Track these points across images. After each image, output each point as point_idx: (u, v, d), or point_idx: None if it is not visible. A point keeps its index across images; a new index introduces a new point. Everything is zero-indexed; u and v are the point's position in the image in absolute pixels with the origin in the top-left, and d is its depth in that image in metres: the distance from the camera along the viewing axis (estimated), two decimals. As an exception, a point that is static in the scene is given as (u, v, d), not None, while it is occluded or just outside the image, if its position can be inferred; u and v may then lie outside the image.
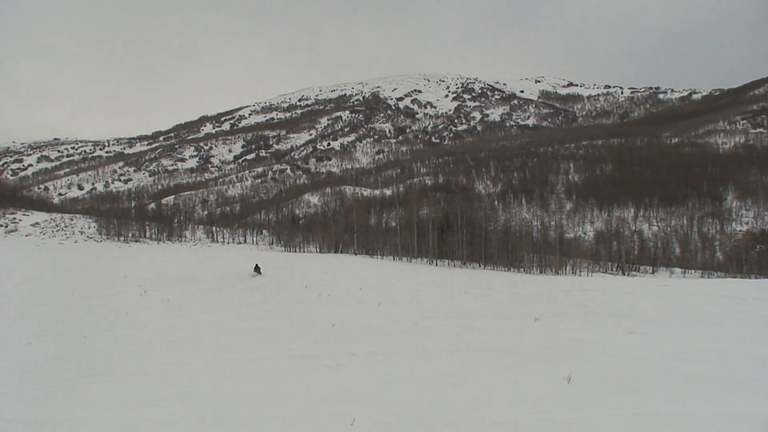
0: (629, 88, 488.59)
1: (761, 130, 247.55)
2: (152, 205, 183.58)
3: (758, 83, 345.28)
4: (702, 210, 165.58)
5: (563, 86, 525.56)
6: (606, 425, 9.36)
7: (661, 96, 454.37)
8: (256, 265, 49.92)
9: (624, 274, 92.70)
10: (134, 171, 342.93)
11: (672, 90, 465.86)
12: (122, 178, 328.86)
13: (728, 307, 28.29)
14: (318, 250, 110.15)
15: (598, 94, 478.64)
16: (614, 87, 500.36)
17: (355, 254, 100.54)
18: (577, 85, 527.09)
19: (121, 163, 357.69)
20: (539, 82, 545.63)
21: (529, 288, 42.64)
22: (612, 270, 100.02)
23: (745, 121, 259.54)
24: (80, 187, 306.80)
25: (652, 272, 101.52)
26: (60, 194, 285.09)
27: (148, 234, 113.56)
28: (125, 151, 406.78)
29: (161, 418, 9.58)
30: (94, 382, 12.01)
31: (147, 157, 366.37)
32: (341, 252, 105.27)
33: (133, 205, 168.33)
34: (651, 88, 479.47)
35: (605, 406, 10.42)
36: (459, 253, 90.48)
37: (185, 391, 11.25)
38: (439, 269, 72.89)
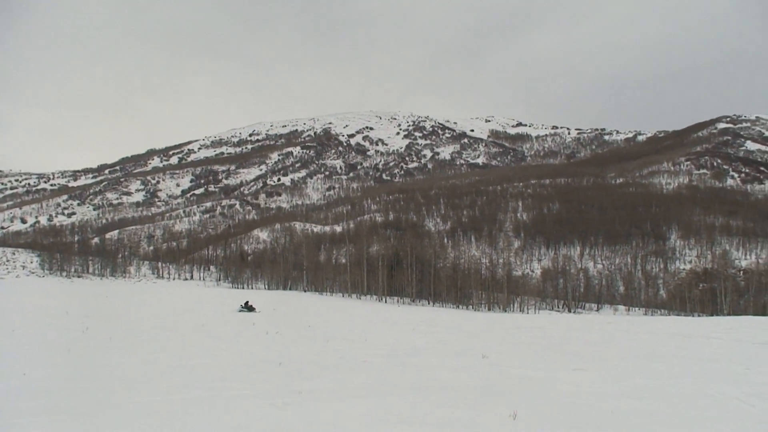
0: (576, 129, 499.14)
1: (704, 171, 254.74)
2: (96, 239, 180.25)
3: (701, 125, 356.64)
4: (646, 249, 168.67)
5: (512, 126, 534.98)
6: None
7: (606, 137, 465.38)
8: (247, 302, 48.73)
9: (570, 312, 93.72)
10: (78, 204, 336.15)
11: (617, 131, 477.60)
12: (66, 211, 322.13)
13: (672, 344, 28.78)
14: (267, 286, 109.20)
15: (546, 135, 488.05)
16: (561, 128, 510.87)
17: (305, 291, 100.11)
18: (525, 125, 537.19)
19: (65, 197, 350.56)
20: (489, 121, 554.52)
21: (477, 325, 42.82)
22: (558, 307, 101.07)
23: (688, 163, 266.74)
24: (23, 221, 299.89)
25: (597, 310, 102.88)
26: (2, 227, 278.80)
27: (91, 269, 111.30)
28: (70, 184, 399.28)
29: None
30: (30, 421, 11.64)
31: (91, 191, 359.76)
32: (290, 289, 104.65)
33: (76, 239, 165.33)
34: (597, 129, 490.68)
35: (551, 443, 10.46)
36: (408, 290, 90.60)
37: None
38: (388, 306, 72.85)
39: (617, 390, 15.54)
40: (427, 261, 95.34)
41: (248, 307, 46.76)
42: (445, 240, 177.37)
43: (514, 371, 18.91)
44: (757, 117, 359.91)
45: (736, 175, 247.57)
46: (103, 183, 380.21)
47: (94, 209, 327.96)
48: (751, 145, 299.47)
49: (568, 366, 20.23)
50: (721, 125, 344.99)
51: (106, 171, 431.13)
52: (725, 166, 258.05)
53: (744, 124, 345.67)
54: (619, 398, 14.39)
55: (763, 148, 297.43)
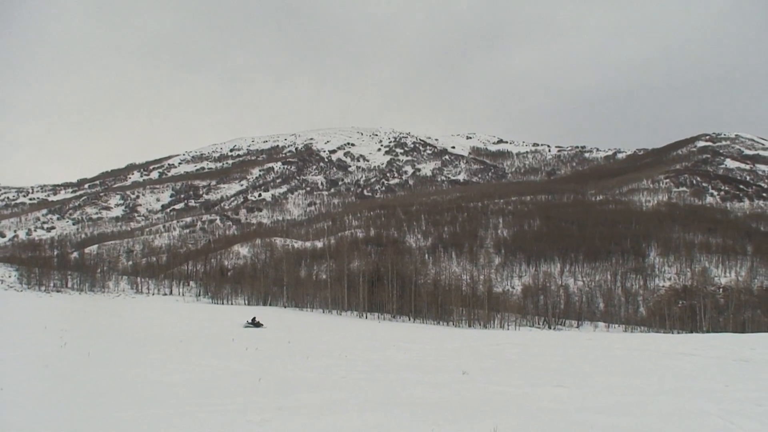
0: (556, 147, 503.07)
1: (684, 189, 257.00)
2: (75, 254, 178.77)
3: (681, 144, 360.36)
4: (625, 266, 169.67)
5: (493, 143, 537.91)
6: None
7: (587, 154, 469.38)
8: (254, 318, 48.07)
9: (550, 328, 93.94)
10: (58, 219, 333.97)
11: (597, 149, 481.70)
12: (45, 225, 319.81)
13: (651, 361, 28.87)
14: (246, 302, 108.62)
15: (527, 152, 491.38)
16: (542, 145, 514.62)
17: (285, 306, 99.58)
18: (506, 142, 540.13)
19: (44, 211, 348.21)
20: (470, 138, 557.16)
21: (457, 342, 42.79)
22: (539, 324, 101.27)
23: (668, 180, 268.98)
24: (2, 235, 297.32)
25: (577, 326, 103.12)
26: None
27: (70, 284, 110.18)
28: (49, 199, 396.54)
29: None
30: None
31: (71, 205, 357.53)
32: (270, 304, 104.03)
33: (55, 254, 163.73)
34: (577, 146, 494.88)
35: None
36: (389, 307, 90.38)
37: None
38: (368, 322, 72.71)
39: (597, 406, 15.56)
40: (408, 277, 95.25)
41: (255, 323, 46.20)
42: (426, 256, 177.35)
43: (494, 387, 18.90)
44: (736, 135, 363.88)
45: (715, 193, 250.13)
46: (83, 197, 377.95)
47: (73, 224, 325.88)
48: (730, 163, 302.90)
49: (548, 382, 20.25)
50: (701, 143, 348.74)
51: (86, 185, 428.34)
52: (704, 184, 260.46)
53: (723, 142, 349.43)
54: (599, 414, 14.42)
55: (743, 166, 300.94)
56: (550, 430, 12.77)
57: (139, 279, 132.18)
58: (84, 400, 15.33)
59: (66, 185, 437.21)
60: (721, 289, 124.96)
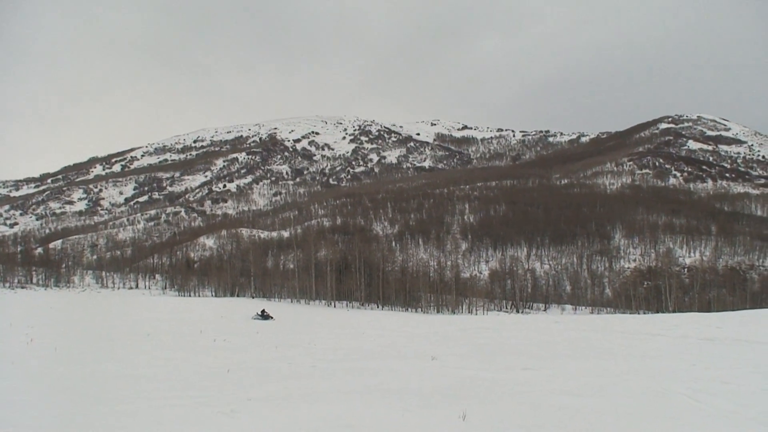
0: (521, 132, 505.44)
1: (647, 170, 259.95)
2: (39, 249, 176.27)
3: (644, 126, 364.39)
4: (591, 248, 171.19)
5: (458, 129, 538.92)
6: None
7: (551, 139, 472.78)
8: (263, 310, 48.31)
9: (518, 312, 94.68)
10: (20, 214, 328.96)
11: (561, 133, 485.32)
12: (8, 222, 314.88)
13: (619, 342, 29.20)
14: (214, 294, 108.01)
15: (492, 137, 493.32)
16: (506, 130, 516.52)
17: (252, 297, 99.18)
18: (471, 128, 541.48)
19: (6, 207, 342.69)
20: (435, 125, 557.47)
21: (426, 327, 42.91)
22: (506, 308, 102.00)
23: (631, 163, 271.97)
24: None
25: (545, 309, 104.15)
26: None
27: (35, 280, 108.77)
28: (11, 194, 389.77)
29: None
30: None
31: (34, 200, 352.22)
32: (238, 295, 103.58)
33: (19, 249, 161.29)
34: (541, 131, 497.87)
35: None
36: (357, 294, 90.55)
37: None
38: (337, 311, 72.72)
39: (565, 388, 15.66)
40: (375, 265, 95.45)
41: (264, 316, 46.53)
42: (393, 243, 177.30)
43: (463, 372, 18.94)
44: (698, 116, 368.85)
45: (678, 174, 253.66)
46: (46, 192, 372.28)
47: (36, 219, 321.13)
48: (692, 145, 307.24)
49: (516, 366, 20.36)
50: (663, 125, 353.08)
51: (49, 180, 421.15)
52: (667, 166, 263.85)
53: (686, 124, 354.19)
54: (568, 396, 14.51)
55: (705, 147, 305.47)
56: (520, 413, 12.82)
57: (104, 273, 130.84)
58: (53, 397, 15.11)
59: (28, 180, 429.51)
60: (685, 269, 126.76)
